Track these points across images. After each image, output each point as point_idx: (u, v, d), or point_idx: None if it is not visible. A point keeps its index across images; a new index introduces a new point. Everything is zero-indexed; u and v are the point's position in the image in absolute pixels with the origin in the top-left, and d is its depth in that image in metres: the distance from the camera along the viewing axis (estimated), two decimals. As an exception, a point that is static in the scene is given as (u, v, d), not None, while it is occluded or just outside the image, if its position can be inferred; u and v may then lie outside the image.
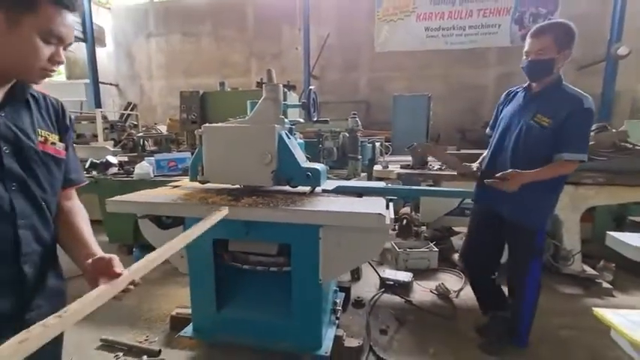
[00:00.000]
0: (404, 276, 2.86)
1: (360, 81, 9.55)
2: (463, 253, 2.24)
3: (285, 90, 5.53)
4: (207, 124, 1.83)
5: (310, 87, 1.98)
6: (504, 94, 2.08)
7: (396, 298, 2.64)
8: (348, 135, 3.33)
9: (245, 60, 10.05)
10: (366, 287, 2.85)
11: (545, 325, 2.24)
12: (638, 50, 6.74)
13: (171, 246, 0.94)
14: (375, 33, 8.83)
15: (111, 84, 10.94)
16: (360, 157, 3.35)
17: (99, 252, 0.90)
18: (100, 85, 9.79)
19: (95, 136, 7.30)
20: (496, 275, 2.15)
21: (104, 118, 7.71)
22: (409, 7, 8.52)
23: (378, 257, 3.52)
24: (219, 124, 1.85)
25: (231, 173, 1.82)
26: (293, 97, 5.16)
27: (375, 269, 2.83)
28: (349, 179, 3.20)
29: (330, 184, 1.95)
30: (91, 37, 9.49)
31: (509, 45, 8.25)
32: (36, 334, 0.55)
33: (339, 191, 1.86)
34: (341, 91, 9.49)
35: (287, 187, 1.85)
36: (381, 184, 2.06)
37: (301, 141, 2.35)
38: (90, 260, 0.84)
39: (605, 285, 2.77)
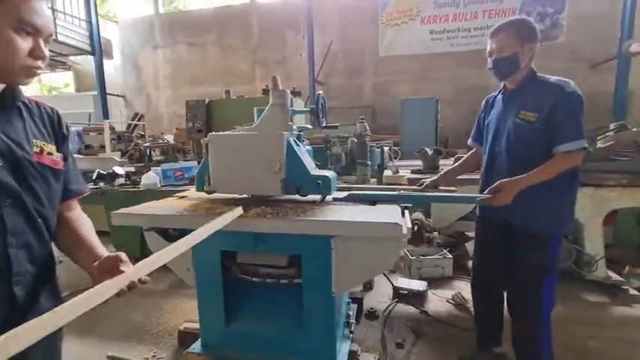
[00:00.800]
0: (418, 285, 2.76)
1: (365, 86, 9.51)
2: (472, 276, 2.05)
3: (292, 96, 5.49)
4: (213, 133, 1.78)
5: (319, 92, 1.92)
6: (483, 101, 1.97)
7: (411, 309, 2.53)
8: (356, 140, 3.26)
9: (250, 68, 10.10)
10: (379, 297, 2.75)
11: (570, 335, 2.13)
12: (651, 47, 6.58)
13: (182, 244, 0.88)
14: (379, 37, 8.82)
15: (118, 95, 11.09)
16: (369, 162, 3.27)
17: (105, 253, 0.85)
18: (108, 96, 9.92)
19: (103, 147, 7.36)
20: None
21: (112, 129, 7.77)
22: (413, 10, 8.50)
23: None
24: (226, 133, 1.80)
25: (238, 182, 1.76)
26: (299, 103, 5.13)
27: (387, 278, 2.73)
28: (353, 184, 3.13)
29: (340, 192, 1.88)
30: (98, 49, 9.66)
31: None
32: (27, 329, 0.50)
33: (350, 199, 1.78)
34: (346, 96, 9.46)
35: (296, 196, 1.78)
36: (394, 191, 1.97)
37: (309, 148, 2.29)
38: (96, 262, 0.80)
39: (633, 292, 2.63)
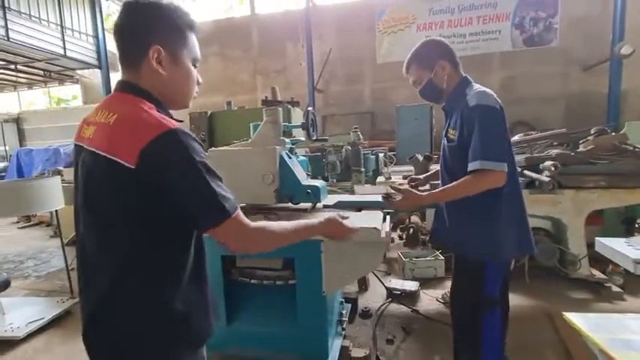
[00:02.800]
0: (410, 285, 2.90)
1: (364, 92, 9.69)
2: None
3: (289, 107, 5.67)
4: (213, 148, 1.96)
5: (308, 108, 2.09)
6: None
7: (403, 308, 2.68)
8: (350, 148, 3.43)
9: (251, 77, 10.34)
10: (374, 298, 2.90)
11: (555, 330, 2.25)
12: (643, 48, 6.70)
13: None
14: (376, 45, 9.02)
15: (124, 107, 11.38)
16: (363, 169, 3.44)
17: None
18: (115, 108, 10.21)
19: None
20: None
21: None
22: (409, 18, 8.70)
23: (385, 267, 3.57)
24: (224, 148, 1.98)
25: (236, 193, 1.91)
26: (297, 113, 5.33)
27: (379, 280, 2.88)
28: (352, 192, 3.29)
29: (331, 199, 2.05)
30: (105, 63, 9.99)
31: (511, 49, 8.31)
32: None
33: (339, 206, 1.95)
34: (345, 102, 9.65)
35: (289, 204, 1.95)
36: (379, 198, 2.13)
37: (304, 158, 2.46)
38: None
39: (615, 289, 2.75)
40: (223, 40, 10.30)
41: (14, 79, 11.01)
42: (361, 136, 3.42)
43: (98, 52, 9.80)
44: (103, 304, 0.83)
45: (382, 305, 2.72)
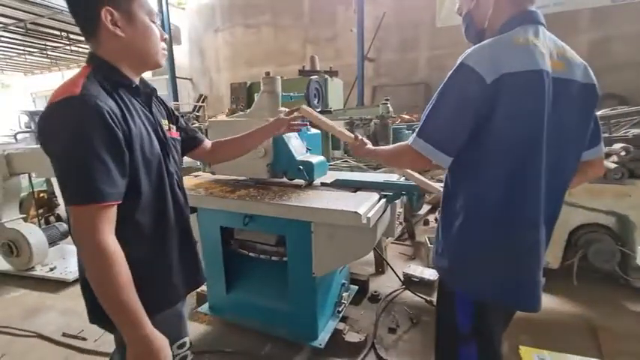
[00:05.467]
0: (430, 274, 2.68)
1: (419, 61, 8.88)
2: None
3: (326, 77, 5.42)
4: (212, 119, 1.94)
5: (311, 77, 1.93)
6: None
7: (416, 297, 2.50)
8: (378, 122, 3.17)
9: (301, 47, 10.13)
10: (389, 282, 2.75)
11: (611, 350, 1.89)
12: None
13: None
14: (437, 6, 8.07)
15: (186, 78, 12.12)
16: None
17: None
18: (177, 79, 10.92)
19: (170, 126, 8.25)
20: None
21: (177, 109, 8.63)
22: (478, -28, 7.53)
23: (411, 251, 3.36)
24: (222, 119, 1.93)
25: (233, 166, 1.88)
26: (335, 83, 5.08)
27: (390, 266, 2.71)
28: (379, 169, 3.07)
29: (330, 177, 1.91)
30: (169, 37, 10.59)
31: (608, 4, 6.78)
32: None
33: (336, 185, 1.81)
34: (398, 72, 8.98)
35: (285, 180, 1.87)
36: (380, 178, 1.93)
37: (316, 132, 2.32)
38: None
39: (694, 307, 2.20)
40: (274, 8, 10.16)
41: (66, 55, 12.01)
42: (391, 109, 3.13)
43: (162, 25, 10.30)
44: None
45: (395, 291, 2.56)
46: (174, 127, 1.10)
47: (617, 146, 2.17)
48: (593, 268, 2.46)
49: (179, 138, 1.12)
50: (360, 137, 1.38)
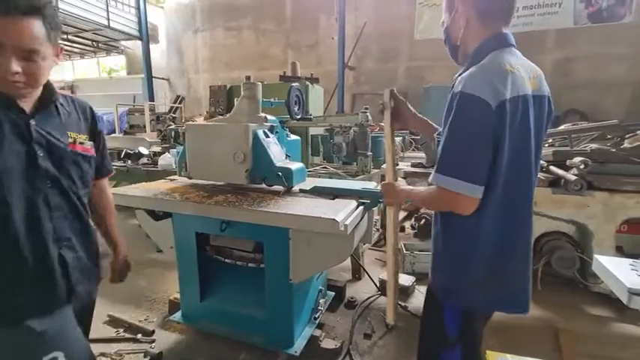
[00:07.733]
0: (405, 280, 2.74)
1: (398, 71, 9.14)
2: None
3: (307, 83, 5.44)
4: (189, 122, 1.90)
5: (292, 84, 1.94)
6: None
7: (392, 302, 2.54)
8: (357, 130, 3.22)
9: (282, 52, 10.16)
10: (366, 288, 2.78)
11: (570, 352, 1.99)
12: None
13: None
14: (415, 19, 8.35)
15: (163, 78, 11.80)
16: (369, 153, 3.23)
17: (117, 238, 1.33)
18: (154, 79, 10.62)
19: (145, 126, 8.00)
20: None
21: (151, 110, 8.37)
22: (454, -11, 7.88)
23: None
24: (199, 122, 1.91)
25: (210, 170, 1.87)
26: (316, 90, 5.12)
27: (366, 272, 2.75)
28: (357, 176, 3.12)
29: (309, 184, 1.92)
30: (145, 35, 10.30)
31: (571, 26, 7.27)
32: None
33: (314, 192, 1.82)
34: (378, 81, 9.18)
35: (264, 186, 1.86)
36: (359, 186, 1.97)
37: (297, 138, 2.33)
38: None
39: (645, 309, 2.37)
40: (256, 12, 10.15)
41: (69, 48, 11.77)
42: (370, 118, 3.19)
43: (139, 23, 10.11)
44: None
45: (370, 297, 2.60)
46: (89, 144, 1.10)
47: (577, 160, 2.33)
48: (555, 274, 2.61)
49: (90, 155, 1.10)
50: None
